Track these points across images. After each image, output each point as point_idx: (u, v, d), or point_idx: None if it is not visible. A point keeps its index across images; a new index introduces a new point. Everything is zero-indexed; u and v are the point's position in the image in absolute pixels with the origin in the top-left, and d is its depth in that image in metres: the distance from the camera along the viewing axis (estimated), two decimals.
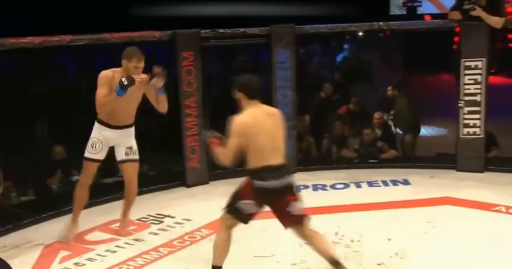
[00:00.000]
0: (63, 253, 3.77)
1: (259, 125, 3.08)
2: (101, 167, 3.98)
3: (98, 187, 4.52)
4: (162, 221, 4.32)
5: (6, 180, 3.00)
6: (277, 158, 3.08)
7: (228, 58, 6.02)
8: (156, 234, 4.09)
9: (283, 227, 3.18)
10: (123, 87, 3.57)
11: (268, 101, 5.31)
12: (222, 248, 3.19)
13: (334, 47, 8.49)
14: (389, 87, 6.25)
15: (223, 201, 4.65)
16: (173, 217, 4.38)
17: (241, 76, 3.23)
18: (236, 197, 3.15)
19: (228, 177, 5.23)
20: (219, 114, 5.59)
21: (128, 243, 3.95)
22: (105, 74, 3.70)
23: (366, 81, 7.86)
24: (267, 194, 3.04)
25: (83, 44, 4.56)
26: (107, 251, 3.82)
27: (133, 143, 3.92)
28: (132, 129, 3.91)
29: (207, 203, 4.69)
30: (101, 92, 3.64)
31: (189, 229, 4.15)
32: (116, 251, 3.78)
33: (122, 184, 4.10)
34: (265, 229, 4.06)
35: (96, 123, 3.85)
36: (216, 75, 5.75)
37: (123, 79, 3.57)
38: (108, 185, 5.02)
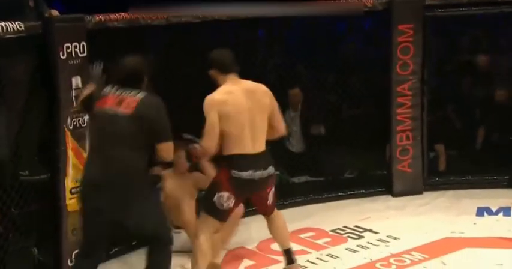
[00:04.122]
0: (246, 262, 3.70)
1: (234, 104, 2.99)
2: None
3: (286, 187, 4.52)
4: (361, 236, 4.07)
5: None
6: (256, 145, 3.02)
7: (456, 33, 5.19)
8: (354, 251, 3.85)
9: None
10: None
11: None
12: (202, 257, 3.03)
13: None
14: None
15: (440, 218, 4.28)
16: (376, 233, 4.09)
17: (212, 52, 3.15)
18: (211, 190, 3.09)
19: (448, 187, 4.69)
20: (439, 105, 5.06)
21: (320, 259, 3.74)
22: None
23: None
24: (245, 185, 3.01)
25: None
26: None
27: None
28: None
29: (419, 219, 4.29)
30: None
31: (395, 249, 3.83)
32: (306, 267, 3.60)
33: (313, 183, 4.28)
34: None
35: None
36: (437, 55, 4.99)
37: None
38: (298, 185, 4.82)
